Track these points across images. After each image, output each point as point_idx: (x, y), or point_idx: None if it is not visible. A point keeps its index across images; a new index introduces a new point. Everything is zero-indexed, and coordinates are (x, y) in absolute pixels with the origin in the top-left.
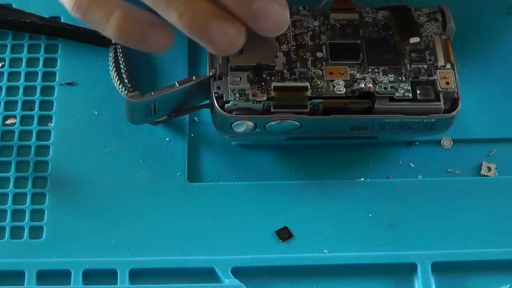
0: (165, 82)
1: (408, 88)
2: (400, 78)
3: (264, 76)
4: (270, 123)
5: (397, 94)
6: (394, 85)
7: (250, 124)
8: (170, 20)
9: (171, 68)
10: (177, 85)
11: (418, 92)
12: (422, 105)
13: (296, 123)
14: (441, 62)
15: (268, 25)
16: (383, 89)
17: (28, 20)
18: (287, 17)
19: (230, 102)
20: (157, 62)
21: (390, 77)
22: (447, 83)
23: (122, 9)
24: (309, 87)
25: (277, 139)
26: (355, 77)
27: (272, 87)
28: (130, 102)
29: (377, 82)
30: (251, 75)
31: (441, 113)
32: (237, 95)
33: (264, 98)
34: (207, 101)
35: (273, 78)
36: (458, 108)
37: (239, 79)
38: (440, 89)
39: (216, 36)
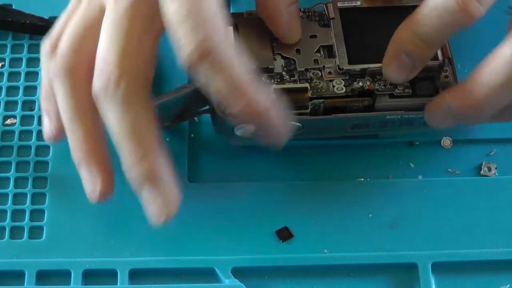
0: (165, 89)
1: (407, 84)
2: None
3: (263, 79)
4: None
5: (396, 90)
6: None
7: (252, 127)
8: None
9: (171, 75)
10: (177, 92)
11: (417, 87)
12: (422, 101)
13: (298, 124)
14: (439, 57)
15: None
16: (382, 86)
17: (28, 21)
18: None
19: None
20: (156, 68)
21: None
22: (446, 77)
23: None
24: (309, 88)
25: None
26: (354, 75)
27: (272, 89)
28: None
29: (376, 79)
30: None
31: None
32: None
33: None
34: (208, 107)
35: (272, 81)
36: None
37: None
38: (439, 84)
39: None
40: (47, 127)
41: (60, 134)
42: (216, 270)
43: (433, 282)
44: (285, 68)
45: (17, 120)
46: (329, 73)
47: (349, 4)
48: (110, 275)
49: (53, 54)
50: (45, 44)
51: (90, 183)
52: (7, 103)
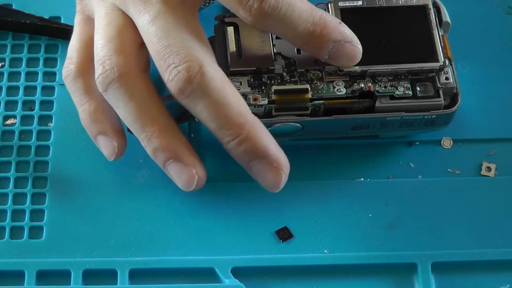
0: (166, 90)
1: (408, 86)
2: (400, 76)
3: (264, 80)
4: (272, 126)
5: (397, 92)
6: (394, 83)
7: None
8: (141, 141)
9: None
10: None
11: (418, 89)
12: (423, 102)
13: (298, 125)
14: (440, 58)
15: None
16: (383, 88)
17: (28, 21)
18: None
19: None
20: (157, 70)
21: (390, 76)
22: (446, 78)
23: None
24: (309, 89)
25: (279, 142)
26: (355, 76)
27: (272, 90)
28: None
29: (376, 81)
30: (251, 79)
31: (441, 109)
32: None
33: (265, 102)
34: None
35: (273, 82)
36: (458, 103)
37: (239, 83)
38: (440, 85)
39: (172, 176)
40: (108, 146)
41: (124, 147)
42: (216, 270)
43: (433, 282)
44: (285, 69)
45: (17, 120)
46: (330, 74)
47: (350, 4)
48: (110, 275)
49: (82, 74)
50: (68, 69)
51: (186, 175)
52: (7, 103)
